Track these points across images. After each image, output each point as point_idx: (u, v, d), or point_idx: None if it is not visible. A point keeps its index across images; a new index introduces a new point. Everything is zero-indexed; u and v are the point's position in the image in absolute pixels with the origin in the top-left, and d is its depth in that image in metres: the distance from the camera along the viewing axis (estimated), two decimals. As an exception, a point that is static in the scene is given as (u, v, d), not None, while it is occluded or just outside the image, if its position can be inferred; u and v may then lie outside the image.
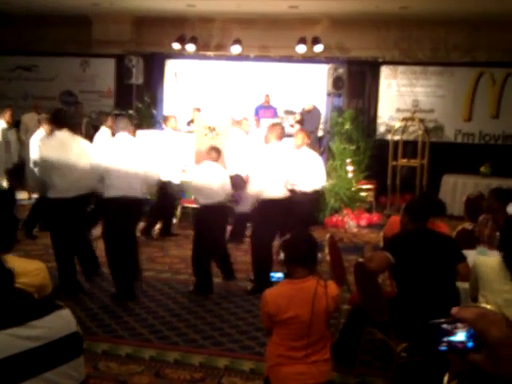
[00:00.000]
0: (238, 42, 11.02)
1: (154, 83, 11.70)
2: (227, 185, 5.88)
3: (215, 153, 5.87)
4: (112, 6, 10.32)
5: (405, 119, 10.15)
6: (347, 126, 9.99)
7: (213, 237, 5.75)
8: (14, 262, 2.43)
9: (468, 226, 5.40)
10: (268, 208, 5.71)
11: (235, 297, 5.70)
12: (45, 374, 1.97)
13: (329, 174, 9.08)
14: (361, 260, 3.95)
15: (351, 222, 8.53)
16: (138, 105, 10.78)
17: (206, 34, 11.68)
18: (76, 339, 2.09)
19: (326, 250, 4.60)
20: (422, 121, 10.02)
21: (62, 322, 2.07)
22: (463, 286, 3.79)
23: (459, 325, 1.06)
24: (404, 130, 9.95)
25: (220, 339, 4.69)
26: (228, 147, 7.83)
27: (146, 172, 5.55)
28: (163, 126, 8.44)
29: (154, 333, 4.78)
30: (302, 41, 10.78)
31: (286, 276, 3.16)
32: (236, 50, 11.04)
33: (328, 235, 4.84)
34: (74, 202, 5.48)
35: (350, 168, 9.38)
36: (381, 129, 11.01)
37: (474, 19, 10.34)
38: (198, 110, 9.70)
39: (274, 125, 6.18)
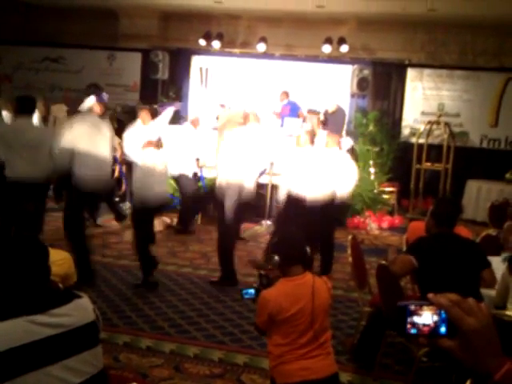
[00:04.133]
0: (263, 40, 11.02)
1: (180, 78, 11.76)
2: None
3: None
4: (140, 0, 10.38)
5: (430, 122, 10.06)
6: (371, 128, 9.95)
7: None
8: None
9: (492, 232, 5.36)
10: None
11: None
12: (65, 360, 2.00)
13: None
14: (384, 262, 3.93)
15: (373, 224, 8.50)
16: (162, 99, 10.84)
17: (232, 31, 11.70)
18: (94, 328, 2.13)
19: (349, 252, 4.59)
20: (447, 125, 9.93)
21: (81, 310, 2.11)
22: (487, 292, 3.76)
23: (425, 307, 1.08)
24: (429, 133, 9.87)
25: (239, 336, 4.71)
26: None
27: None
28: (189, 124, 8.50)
29: (174, 326, 4.81)
30: (328, 41, 10.75)
31: (257, 291, 3.14)
32: (261, 48, 11.04)
33: (350, 237, 4.82)
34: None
35: (372, 170, 9.34)
36: (405, 131, 10.94)
37: (502, 24, 10.22)
38: (223, 106, 9.73)
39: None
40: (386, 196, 9.29)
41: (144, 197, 5.58)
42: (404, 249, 4.86)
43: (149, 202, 5.58)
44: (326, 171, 6.09)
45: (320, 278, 3.18)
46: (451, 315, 1.05)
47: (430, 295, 1.08)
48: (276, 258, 3.09)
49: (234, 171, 5.80)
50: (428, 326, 1.07)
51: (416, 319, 1.08)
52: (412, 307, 1.09)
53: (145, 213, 5.70)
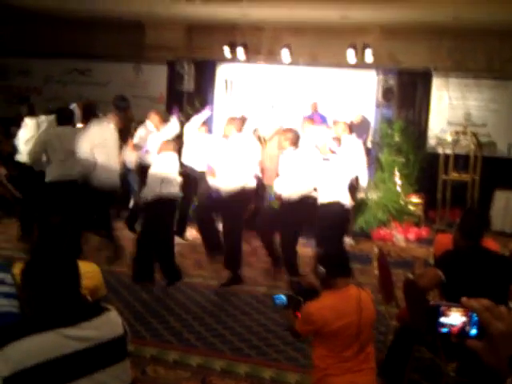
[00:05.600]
0: (288, 49, 11.05)
1: (205, 89, 11.83)
2: None
3: None
4: (166, 12, 10.49)
5: (457, 132, 9.96)
6: (397, 138, 9.88)
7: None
8: None
9: (522, 244, 5.27)
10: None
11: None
12: (95, 374, 2.03)
13: (377, 186, 9.02)
14: (411, 276, 3.90)
15: (399, 236, 8.41)
16: (188, 110, 10.92)
17: (257, 41, 11.75)
18: (122, 341, 2.15)
19: (375, 264, 4.56)
20: (474, 134, 9.81)
21: (110, 324, 2.13)
22: (517, 307, 3.71)
23: (453, 308, 1.17)
24: (455, 143, 9.76)
25: (265, 349, 4.71)
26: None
27: None
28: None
29: (201, 339, 4.83)
30: (353, 49, 10.73)
31: (288, 298, 3.18)
32: (286, 57, 11.07)
33: (376, 249, 4.79)
34: None
35: (398, 181, 9.26)
36: (431, 141, 10.83)
37: (531, 30, 10.10)
38: (245, 118, 9.76)
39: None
40: (412, 207, 9.21)
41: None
42: (431, 262, 4.82)
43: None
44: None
45: (364, 289, 3.17)
46: (481, 318, 1.13)
47: (464, 299, 1.17)
48: (322, 269, 3.09)
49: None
50: (456, 326, 1.16)
51: (444, 320, 1.17)
52: (442, 308, 1.18)
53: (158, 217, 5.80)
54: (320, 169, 6.25)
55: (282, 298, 3.20)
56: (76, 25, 12.03)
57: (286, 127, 7.16)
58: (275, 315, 5.43)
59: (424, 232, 8.79)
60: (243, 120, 6.87)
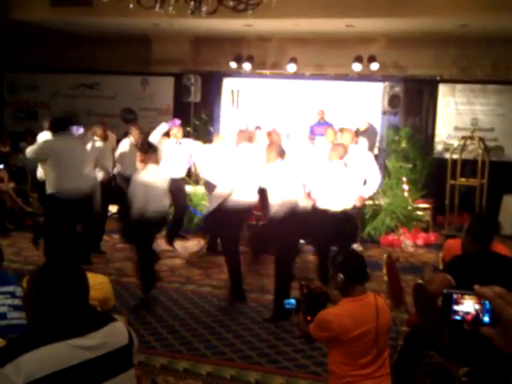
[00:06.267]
0: (293, 60, 11.11)
1: (211, 101, 11.92)
2: None
3: None
4: (172, 26, 10.59)
5: (464, 138, 9.95)
6: (403, 145, 9.89)
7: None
8: None
9: (531, 248, 5.24)
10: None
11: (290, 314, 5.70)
12: (102, 383, 2.05)
13: (384, 193, 9.01)
14: (421, 282, 3.89)
15: (407, 241, 8.41)
16: (195, 122, 10.99)
17: (262, 53, 11.83)
18: (128, 351, 2.17)
19: (384, 270, 4.55)
20: (481, 139, 9.80)
21: (116, 333, 2.15)
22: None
23: (466, 296, 1.19)
24: (463, 148, 9.75)
25: (275, 357, 4.71)
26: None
27: None
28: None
29: (211, 348, 4.83)
30: (358, 59, 10.77)
31: (298, 302, 3.21)
32: (292, 68, 11.14)
33: (385, 255, 4.79)
34: None
35: (405, 187, 9.26)
36: (438, 147, 10.84)
37: (535, 36, 10.10)
38: (259, 128, 9.81)
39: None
40: (420, 213, 9.19)
41: (143, 213, 5.64)
42: (440, 267, 4.81)
43: (148, 219, 5.65)
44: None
45: (379, 296, 3.18)
46: (494, 305, 1.15)
47: (476, 286, 1.18)
48: (341, 276, 3.08)
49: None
50: (470, 314, 1.18)
51: (458, 307, 1.19)
52: (455, 295, 1.19)
53: (144, 229, 5.75)
54: (316, 176, 6.25)
55: (291, 302, 3.23)
56: (83, 40, 12.16)
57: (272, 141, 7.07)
58: (285, 323, 5.43)
59: (432, 237, 8.79)
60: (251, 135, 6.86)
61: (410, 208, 9.01)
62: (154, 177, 5.75)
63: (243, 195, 6.01)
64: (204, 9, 6.00)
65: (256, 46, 11.74)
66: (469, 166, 9.99)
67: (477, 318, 1.17)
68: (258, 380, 4.28)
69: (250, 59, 11.36)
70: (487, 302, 1.16)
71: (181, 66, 11.76)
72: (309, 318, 3.12)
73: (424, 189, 9.61)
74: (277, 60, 11.77)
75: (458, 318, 1.19)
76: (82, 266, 2.32)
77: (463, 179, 9.71)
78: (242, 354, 4.75)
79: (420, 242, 8.63)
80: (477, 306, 1.17)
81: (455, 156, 9.77)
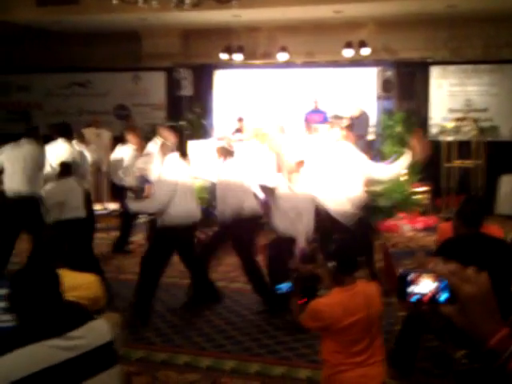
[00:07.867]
0: (284, 49, 11.06)
1: (204, 94, 11.87)
2: None
3: None
4: (159, 20, 10.53)
5: (458, 119, 9.92)
6: (398, 129, 9.85)
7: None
8: (66, 275, 2.50)
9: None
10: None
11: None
12: (83, 382, 2.05)
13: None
14: (410, 266, 3.90)
15: (406, 226, 8.40)
16: (188, 116, 10.96)
17: (253, 43, 11.76)
18: (110, 349, 2.17)
19: (377, 257, 4.56)
20: (475, 120, 9.77)
21: (95, 332, 2.15)
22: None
23: (424, 274, 1.15)
24: (457, 130, 9.72)
25: (275, 347, 4.71)
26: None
27: None
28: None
29: (210, 341, 4.84)
30: (349, 45, 10.72)
31: (295, 285, 3.20)
32: (282, 57, 11.09)
33: (378, 242, 4.77)
34: None
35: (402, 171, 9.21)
36: (433, 130, 10.79)
37: (525, 14, 10.03)
38: (241, 119, 9.81)
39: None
40: (418, 196, 9.16)
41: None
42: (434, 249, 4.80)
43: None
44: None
45: (369, 282, 3.18)
46: (451, 283, 1.13)
47: (431, 264, 1.16)
48: (332, 265, 3.08)
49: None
50: (427, 295, 1.15)
51: (414, 288, 1.15)
52: (411, 276, 1.16)
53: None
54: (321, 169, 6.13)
55: (284, 285, 3.22)
56: (73, 38, 12.09)
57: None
58: (284, 313, 5.43)
59: (431, 221, 8.78)
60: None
61: (407, 192, 8.98)
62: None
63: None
64: (188, 1, 5.95)
65: (245, 37, 11.68)
66: (465, 148, 9.98)
67: (433, 297, 1.14)
68: (258, 371, 4.29)
69: (241, 49, 11.29)
70: (445, 280, 1.13)
71: (171, 59, 11.70)
72: (299, 302, 3.12)
73: (421, 172, 9.59)
74: (267, 49, 11.71)
75: (414, 299, 1.15)
76: (54, 267, 2.34)
77: (459, 161, 9.70)
78: (241, 345, 4.76)
79: (419, 225, 8.62)
80: (435, 284, 1.14)
81: (449, 138, 9.75)
